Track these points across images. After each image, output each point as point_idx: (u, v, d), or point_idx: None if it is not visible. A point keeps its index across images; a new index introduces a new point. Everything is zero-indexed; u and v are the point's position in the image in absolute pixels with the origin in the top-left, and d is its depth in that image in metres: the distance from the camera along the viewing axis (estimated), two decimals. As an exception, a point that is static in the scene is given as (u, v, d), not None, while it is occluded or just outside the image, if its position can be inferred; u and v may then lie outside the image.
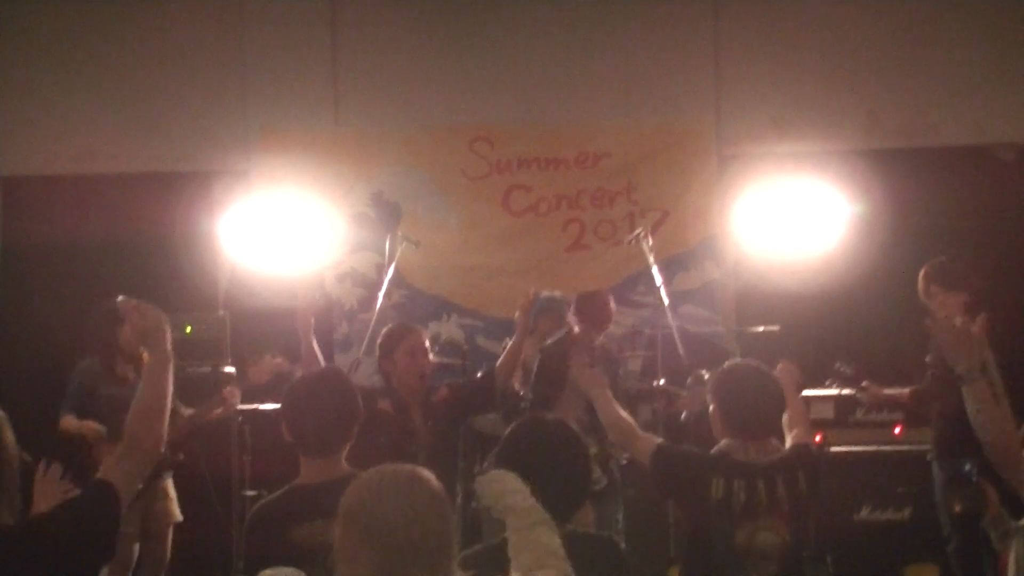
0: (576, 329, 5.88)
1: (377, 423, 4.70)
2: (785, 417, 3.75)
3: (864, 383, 5.87)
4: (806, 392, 6.38)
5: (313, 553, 3.08)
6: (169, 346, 2.90)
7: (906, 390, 5.78)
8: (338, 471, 3.23)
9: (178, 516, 5.87)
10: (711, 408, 3.65)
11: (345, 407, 3.28)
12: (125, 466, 2.70)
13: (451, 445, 5.03)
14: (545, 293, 7.00)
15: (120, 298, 5.71)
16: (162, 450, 2.81)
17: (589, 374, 3.96)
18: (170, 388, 2.85)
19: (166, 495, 5.84)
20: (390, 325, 5.28)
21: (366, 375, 6.73)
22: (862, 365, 5.98)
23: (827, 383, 6.15)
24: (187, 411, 5.78)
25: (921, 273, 5.71)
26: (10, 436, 2.56)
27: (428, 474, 2.32)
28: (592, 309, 5.98)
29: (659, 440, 3.76)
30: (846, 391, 6.12)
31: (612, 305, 6.13)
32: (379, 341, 5.06)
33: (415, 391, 4.92)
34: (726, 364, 3.78)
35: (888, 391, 5.94)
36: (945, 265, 5.66)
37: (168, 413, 2.84)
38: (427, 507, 2.22)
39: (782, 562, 3.44)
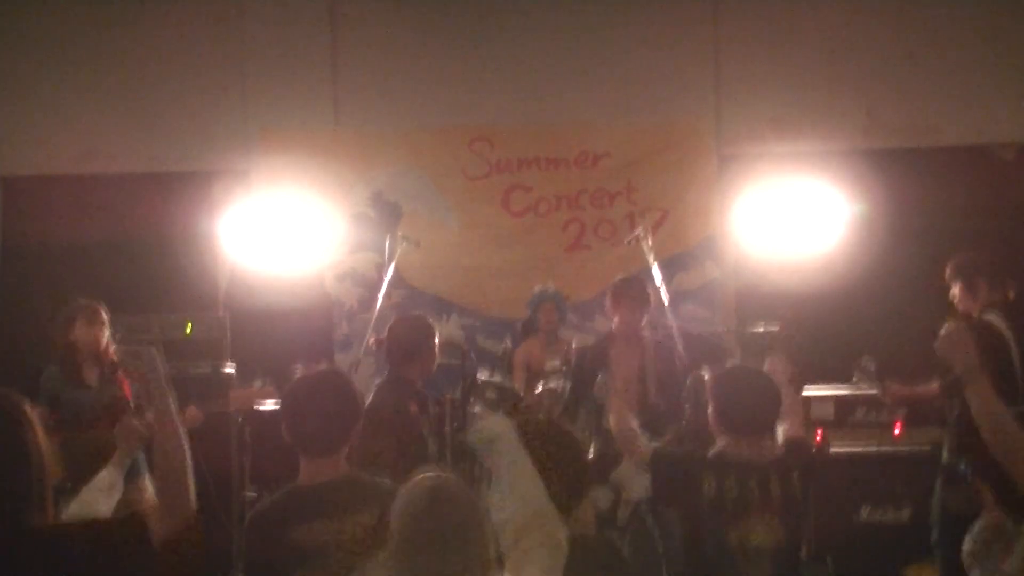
0: (615, 320, 5.80)
1: (416, 431, 4.71)
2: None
3: (887, 383, 5.80)
4: (806, 392, 6.41)
5: (313, 553, 3.09)
6: (166, 392, 2.84)
7: (933, 385, 5.68)
8: (338, 472, 3.23)
9: None
10: (709, 408, 3.68)
11: (345, 408, 3.28)
12: (162, 524, 2.64)
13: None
14: (539, 287, 7.03)
15: (82, 301, 5.63)
16: (193, 506, 2.74)
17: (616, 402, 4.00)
18: (184, 442, 2.76)
19: (142, 492, 5.67)
20: (407, 317, 5.31)
21: (366, 375, 6.73)
22: (884, 362, 5.91)
23: (853, 380, 6.07)
24: (149, 419, 5.61)
25: (948, 268, 5.65)
26: (43, 437, 2.54)
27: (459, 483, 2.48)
28: (627, 292, 5.85)
29: (656, 445, 3.79)
30: (871, 390, 6.03)
31: (648, 289, 5.97)
32: (403, 329, 5.04)
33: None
34: (725, 366, 3.80)
35: (909, 389, 5.82)
36: (967, 261, 5.61)
37: (189, 468, 2.75)
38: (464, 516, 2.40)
39: (776, 561, 3.44)
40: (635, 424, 3.86)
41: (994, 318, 5.42)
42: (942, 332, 3.18)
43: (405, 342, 4.98)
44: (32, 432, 2.52)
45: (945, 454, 5.53)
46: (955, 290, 5.60)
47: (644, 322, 5.93)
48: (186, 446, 2.75)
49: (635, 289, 5.84)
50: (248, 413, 6.14)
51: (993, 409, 3.06)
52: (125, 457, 3.77)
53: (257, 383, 5.73)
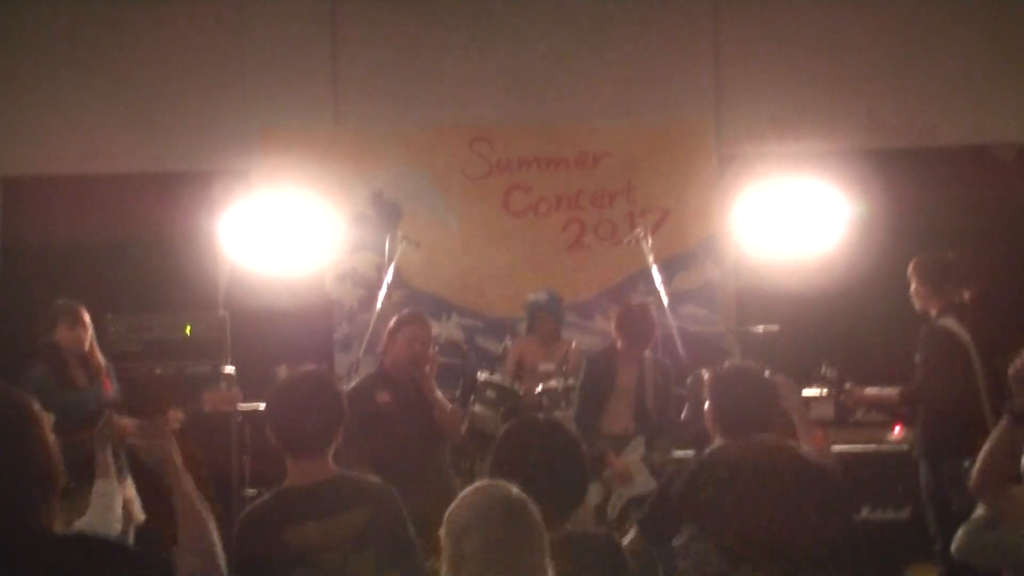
0: (619, 343, 5.85)
1: (381, 418, 4.76)
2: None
3: (847, 386, 5.82)
4: (805, 392, 6.41)
5: (306, 554, 3.08)
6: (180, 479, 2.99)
7: (893, 390, 5.71)
8: (326, 472, 3.22)
9: (139, 516, 5.74)
10: (706, 406, 3.68)
11: (329, 407, 3.27)
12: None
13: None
14: (531, 297, 7.00)
15: (63, 303, 5.58)
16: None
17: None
18: (210, 520, 2.95)
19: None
20: (405, 310, 5.41)
21: (366, 375, 6.75)
22: (846, 367, 5.94)
23: (814, 387, 6.09)
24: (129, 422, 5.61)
25: (911, 266, 5.69)
26: (51, 438, 2.51)
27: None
28: (633, 324, 5.89)
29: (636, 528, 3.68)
30: (830, 394, 6.05)
31: (655, 317, 5.99)
32: (391, 322, 5.15)
33: (407, 376, 4.99)
34: (723, 364, 3.81)
35: (870, 391, 5.87)
36: (933, 262, 5.63)
37: (218, 544, 2.94)
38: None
39: (778, 561, 3.44)
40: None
41: (951, 323, 5.42)
42: (1018, 363, 3.32)
43: (387, 331, 5.11)
44: (42, 433, 2.49)
45: (921, 459, 5.54)
46: (916, 289, 5.63)
47: (648, 351, 5.96)
48: (211, 524, 2.93)
49: (641, 322, 5.87)
50: (219, 414, 6.14)
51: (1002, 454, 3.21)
52: (103, 463, 3.80)
53: (223, 385, 5.72)
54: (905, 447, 6.19)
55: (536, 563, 2.38)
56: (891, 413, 6.17)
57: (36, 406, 2.49)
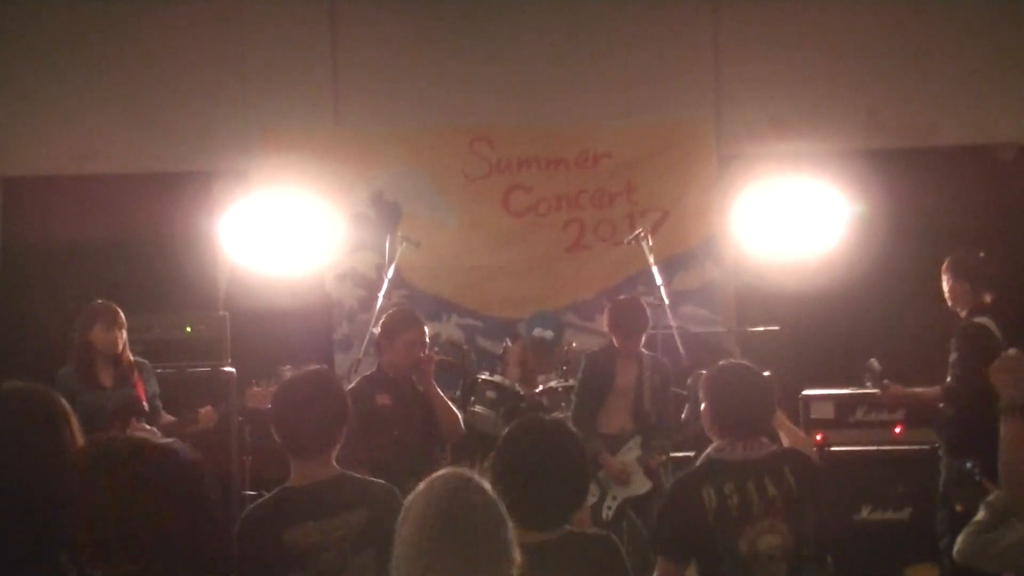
0: (615, 338, 5.85)
1: (381, 420, 4.77)
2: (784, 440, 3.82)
3: (885, 381, 5.82)
4: (806, 392, 6.43)
5: (305, 555, 3.09)
6: None
7: (933, 389, 5.71)
8: (328, 472, 3.23)
9: None
10: (703, 406, 3.66)
11: (333, 408, 3.28)
12: None
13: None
14: (538, 331, 6.95)
15: (101, 303, 5.62)
16: None
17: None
18: None
19: None
20: (395, 310, 5.38)
21: (364, 376, 6.74)
22: (883, 362, 5.93)
23: (864, 381, 6.07)
24: (167, 418, 5.66)
25: (945, 263, 5.69)
26: (79, 434, 2.47)
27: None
28: (625, 316, 5.89)
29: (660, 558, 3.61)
30: (873, 390, 6.04)
31: (646, 308, 6.01)
32: (383, 321, 5.12)
33: (408, 379, 5.00)
34: (719, 363, 3.78)
35: (909, 389, 5.86)
36: (970, 260, 5.64)
37: None
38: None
39: (788, 562, 3.43)
40: None
41: (987, 321, 5.44)
42: (997, 361, 3.31)
43: (380, 333, 5.10)
44: (71, 430, 2.48)
45: (944, 457, 5.56)
46: (952, 286, 5.63)
47: (642, 341, 5.96)
48: None
49: (632, 314, 5.87)
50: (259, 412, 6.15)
51: (1014, 447, 3.17)
52: None
53: (270, 380, 5.74)
54: (906, 447, 6.20)
55: (485, 553, 2.31)
56: (926, 410, 6.11)
57: (65, 404, 2.48)
